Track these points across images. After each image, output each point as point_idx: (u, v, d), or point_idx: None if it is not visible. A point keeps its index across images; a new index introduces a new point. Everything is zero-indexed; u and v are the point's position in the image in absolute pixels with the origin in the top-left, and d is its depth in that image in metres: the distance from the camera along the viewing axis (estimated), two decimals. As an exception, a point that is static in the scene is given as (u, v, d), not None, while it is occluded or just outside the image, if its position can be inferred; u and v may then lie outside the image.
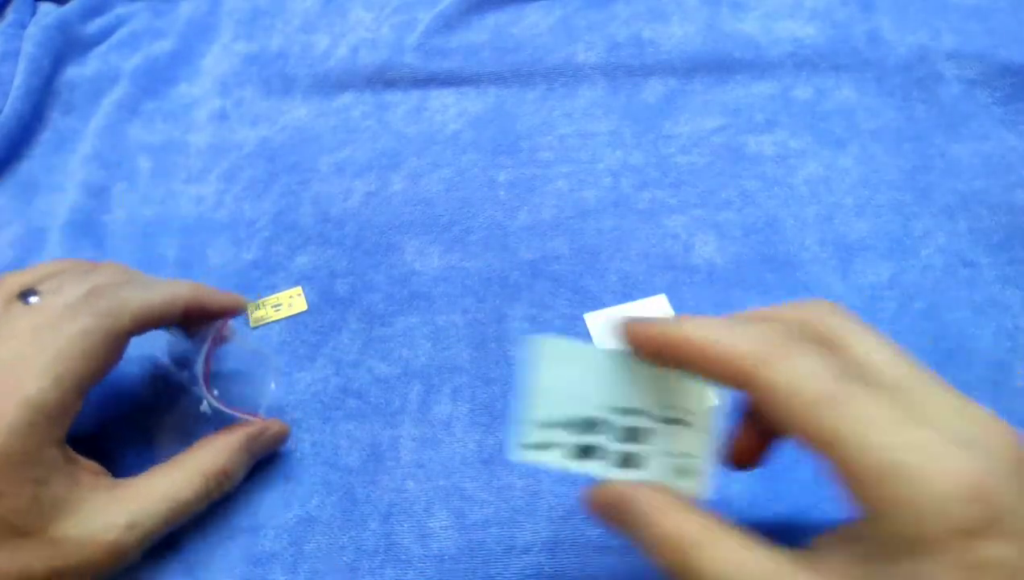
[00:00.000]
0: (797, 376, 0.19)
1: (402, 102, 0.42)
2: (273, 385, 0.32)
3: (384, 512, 0.30)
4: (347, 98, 0.43)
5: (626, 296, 0.35)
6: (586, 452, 0.23)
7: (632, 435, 0.23)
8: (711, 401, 0.24)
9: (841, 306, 0.22)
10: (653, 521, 0.21)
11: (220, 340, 0.31)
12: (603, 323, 0.34)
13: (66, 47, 0.45)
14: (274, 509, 0.31)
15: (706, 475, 0.23)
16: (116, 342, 0.27)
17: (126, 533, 0.26)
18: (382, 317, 0.35)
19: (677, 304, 0.35)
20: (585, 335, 0.34)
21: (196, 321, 0.31)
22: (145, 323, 0.28)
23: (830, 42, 0.42)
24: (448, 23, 0.44)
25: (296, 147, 0.41)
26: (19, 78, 0.42)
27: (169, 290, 0.29)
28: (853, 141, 0.39)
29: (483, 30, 0.44)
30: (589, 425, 0.23)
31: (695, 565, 0.20)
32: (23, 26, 0.45)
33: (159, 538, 0.28)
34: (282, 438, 0.31)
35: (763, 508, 0.30)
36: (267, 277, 0.37)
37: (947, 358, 0.32)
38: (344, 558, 0.30)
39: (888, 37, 0.42)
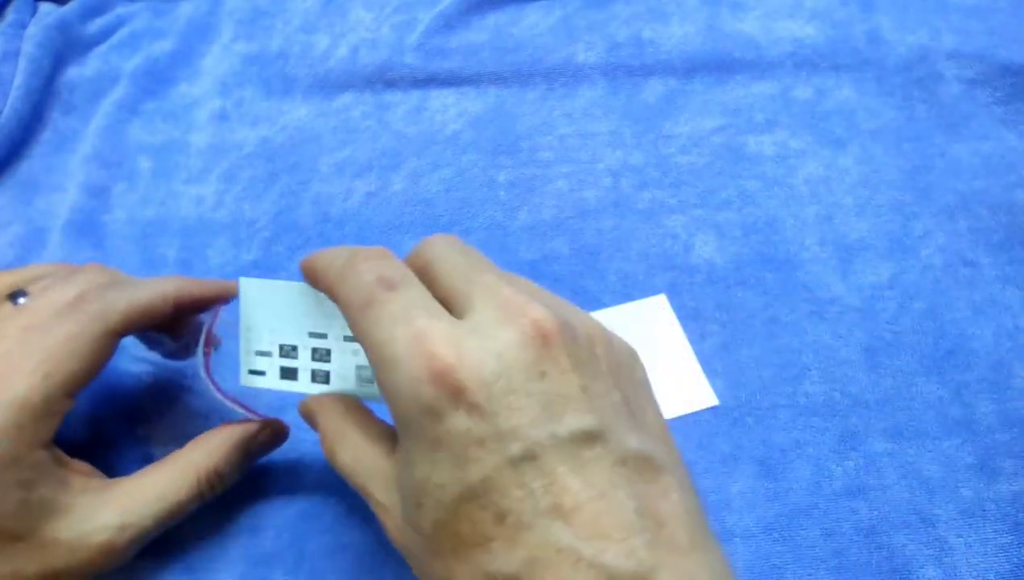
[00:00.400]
0: (351, 287, 0.22)
1: (402, 102, 0.42)
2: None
3: (384, 512, 0.30)
4: (347, 98, 0.43)
5: (626, 296, 0.35)
6: (290, 373, 0.29)
7: (323, 355, 0.28)
8: None
9: (440, 237, 0.24)
10: (317, 424, 0.26)
11: (216, 341, 0.31)
12: (602, 322, 0.34)
13: (66, 47, 0.45)
14: (275, 509, 0.31)
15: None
16: (106, 343, 0.27)
17: (118, 534, 0.26)
18: None
19: (677, 304, 0.35)
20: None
21: (187, 322, 0.30)
22: (135, 323, 0.28)
23: (830, 42, 0.42)
24: (448, 23, 0.44)
25: (296, 147, 0.41)
26: (19, 78, 0.42)
27: (156, 287, 0.28)
28: (853, 141, 0.39)
29: (483, 30, 0.44)
30: (291, 350, 0.28)
31: (332, 458, 0.25)
32: (23, 26, 0.45)
33: (153, 538, 0.28)
34: (281, 438, 0.31)
35: (763, 508, 0.30)
36: (267, 277, 0.37)
37: (947, 358, 0.32)
38: (345, 558, 0.30)
39: (888, 37, 0.42)
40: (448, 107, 0.42)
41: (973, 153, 0.38)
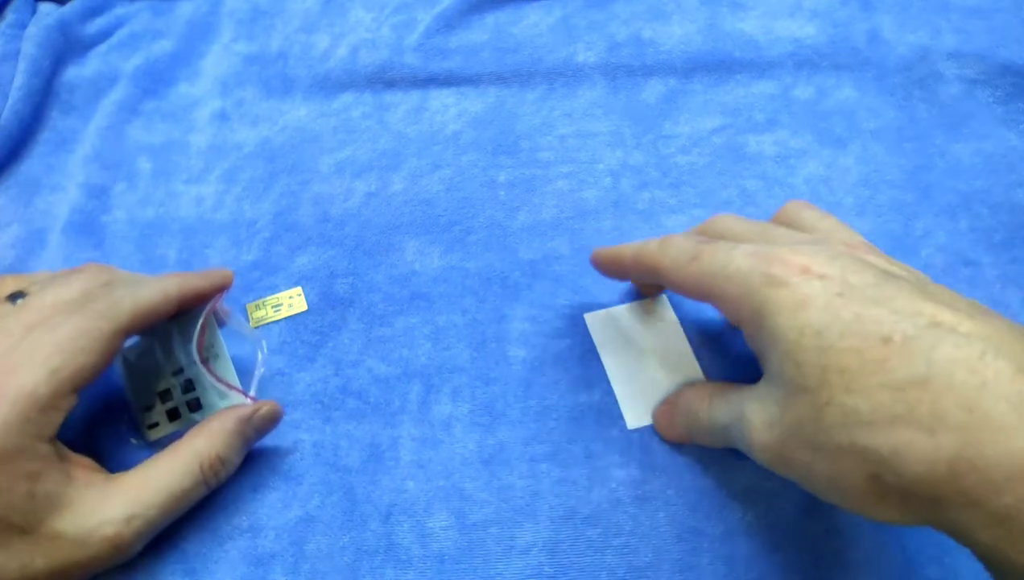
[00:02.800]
0: (676, 250, 0.27)
1: (402, 102, 0.42)
2: (261, 367, 0.32)
3: (384, 512, 0.30)
4: (347, 98, 0.43)
5: (626, 296, 0.35)
6: (173, 413, 0.32)
7: (189, 386, 0.32)
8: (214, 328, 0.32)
9: (803, 203, 0.30)
10: (686, 406, 0.30)
11: (216, 319, 0.32)
12: (603, 322, 0.34)
13: (66, 47, 0.45)
14: (274, 509, 0.31)
15: (254, 378, 0.32)
16: (113, 341, 0.27)
17: (125, 526, 0.26)
18: (382, 317, 0.35)
19: (677, 304, 0.35)
20: (585, 335, 0.34)
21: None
22: (141, 321, 0.28)
23: (830, 42, 0.42)
24: (448, 23, 0.44)
25: (296, 147, 0.41)
26: (19, 78, 0.42)
27: (159, 287, 0.29)
28: (854, 140, 0.39)
29: (483, 30, 0.44)
30: (166, 394, 0.32)
31: (713, 415, 0.28)
32: (23, 26, 0.45)
33: (160, 529, 0.28)
34: (275, 418, 0.31)
35: (765, 507, 0.30)
36: (267, 277, 0.37)
37: (947, 358, 0.32)
38: (344, 558, 0.30)
39: (888, 36, 0.42)
40: (448, 107, 0.42)
41: (974, 153, 0.38)
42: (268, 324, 0.35)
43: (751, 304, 0.23)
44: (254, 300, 0.36)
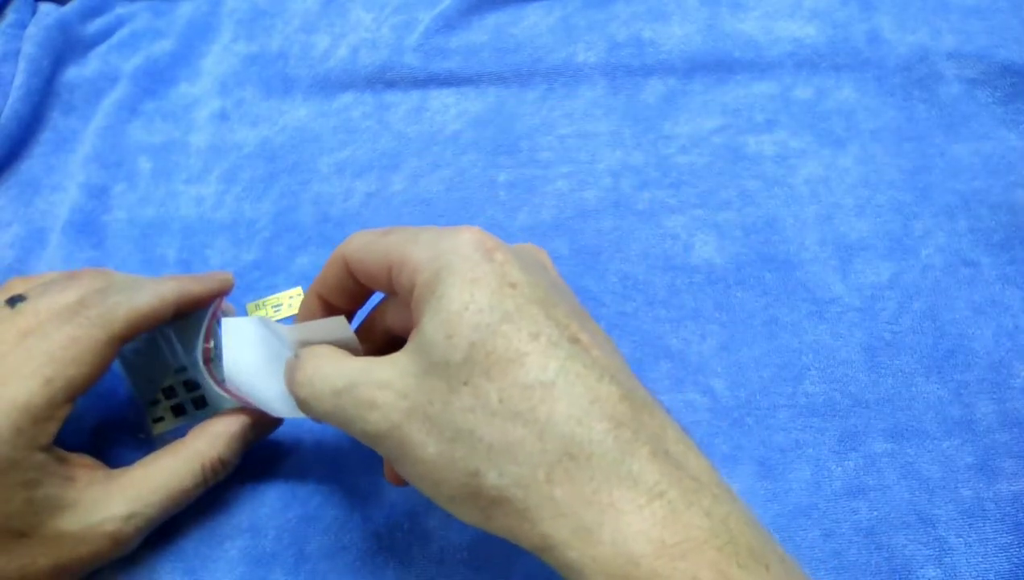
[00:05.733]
0: (362, 234, 0.26)
1: (402, 102, 0.42)
2: None
3: (385, 512, 0.30)
4: (347, 98, 0.43)
5: (626, 297, 0.35)
6: (179, 409, 0.32)
7: (193, 386, 0.32)
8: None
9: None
10: (302, 367, 0.26)
11: (218, 322, 0.32)
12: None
13: (66, 47, 0.45)
14: (275, 509, 0.31)
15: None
16: (108, 349, 0.27)
17: (125, 524, 0.27)
18: None
19: (677, 304, 0.35)
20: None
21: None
22: (137, 328, 0.28)
23: (830, 42, 0.42)
24: (448, 23, 0.44)
25: (296, 147, 0.41)
26: (19, 78, 0.42)
27: (156, 292, 0.29)
28: (853, 141, 0.39)
29: (483, 30, 0.44)
30: (170, 391, 0.32)
31: (315, 376, 0.25)
32: (23, 26, 0.45)
33: (158, 525, 0.28)
34: (276, 424, 0.31)
35: (763, 508, 0.30)
36: (267, 277, 0.37)
37: (947, 358, 0.32)
38: (345, 558, 0.30)
39: (888, 37, 0.42)
40: (448, 107, 0.42)
41: (973, 153, 0.38)
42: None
43: (434, 267, 0.23)
44: (254, 300, 0.36)
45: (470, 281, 0.22)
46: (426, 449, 0.22)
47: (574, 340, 0.22)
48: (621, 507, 0.20)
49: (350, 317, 0.29)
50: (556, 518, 0.20)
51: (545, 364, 0.21)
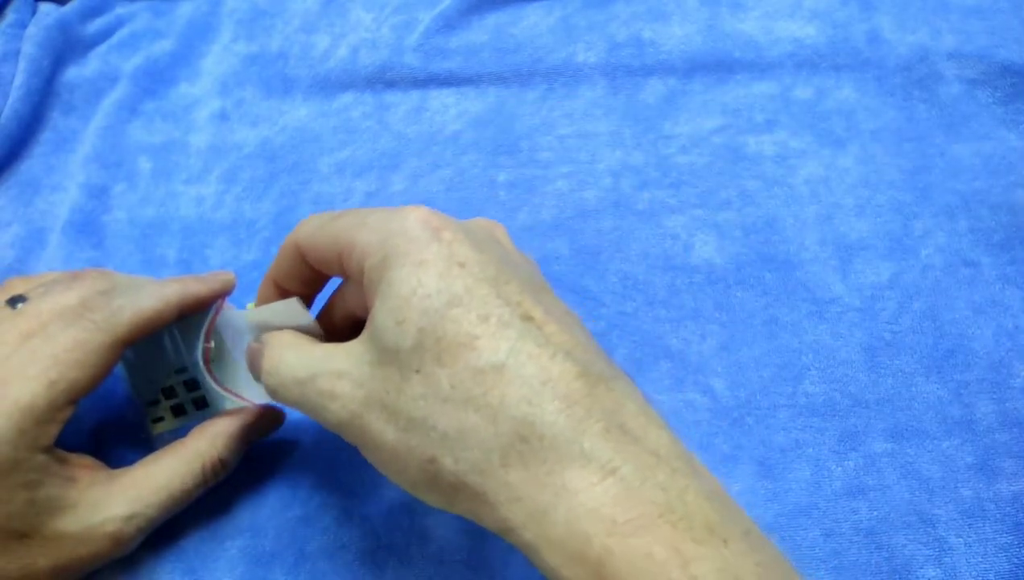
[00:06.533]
0: (313, 218, 0.26)
1: (402, 102, 0.42)
2: None
3: (385, 512, 0.30)
4: (347, 98, 0.43)
5: (626, 297, 0.35)
6: (179, 409, 0.32)
7: (193, 385, 0.32)
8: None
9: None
10: (262, 355, 0.26)
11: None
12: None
13: (66, 47, 0.45)
14: (275, 509, 0.31)
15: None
16: (111, 353, 0.27)
17: (126, 524, 0.27)
18: None
19: (677, 304, 0.35)
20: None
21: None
22: (140, 331, 0.28)
23: (830, 42, 0.42)
24: (448, 23, 0.44)
25: (296, 148, 0.41)
26: (19, 78, 0.42)
27: (159, 295, 0.28)
28: (853, 141, 0.39)
29: (483, 30, 0.44)
30: (170, 391, 0.32)
31: (279, 366, 0.25)
32: (23, 26, 0.45)
33: (158, 524, 0.28)
34: (277, 423, 0.31)
35: (763, 508, 0.30)
36: (267, 277, 0.37)
37: (947, 358, 0.32)
38: (344, 558, 0.30)
39: (888, 37, 0.42)
40: (448, 107, 0.42)
41: (973, 153, 0.38)
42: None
43: (382, 251, 0.23)
44: (254, 300, 0.36)
45: (417, 264, 0.22)
46: (385, 437, 0.22)
47: (527, 318, 0.22)
48: (574, 487, 0.19)
49: (308, 302, 0.29)
50: (512, 502, 0.20)
51: (496, 346, 0.21)
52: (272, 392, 0.25)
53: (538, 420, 0.20)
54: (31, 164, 0.42)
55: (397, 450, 0.22)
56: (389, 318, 0.22)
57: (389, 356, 0.22)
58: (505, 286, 0.22)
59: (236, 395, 0.30)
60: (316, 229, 0.26)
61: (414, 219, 0.23)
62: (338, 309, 0.28)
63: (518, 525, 0.20)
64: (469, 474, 0.21)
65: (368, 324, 0.23)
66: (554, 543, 0.19)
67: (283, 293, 0.28)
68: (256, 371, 0.26)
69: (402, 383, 0.22)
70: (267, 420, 0.31)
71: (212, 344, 0.31)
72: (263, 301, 0.29)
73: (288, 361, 0.24)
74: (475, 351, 0.21)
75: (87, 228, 0.39)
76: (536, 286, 0.24)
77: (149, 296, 0.28)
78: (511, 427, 0.20)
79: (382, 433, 0.22)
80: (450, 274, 0.22)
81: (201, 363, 0.30)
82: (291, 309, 0.27)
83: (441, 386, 0.21)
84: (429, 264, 0.22)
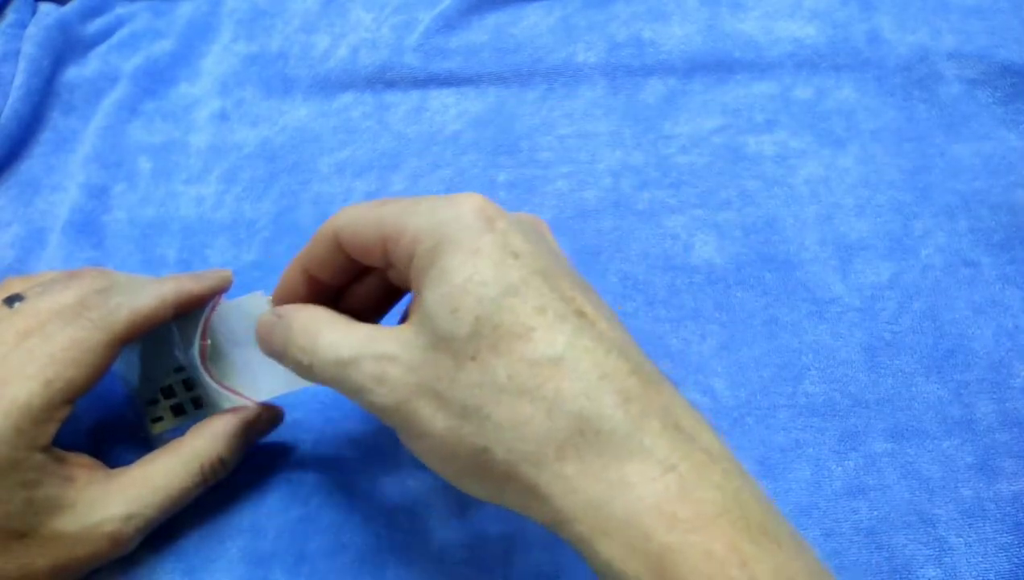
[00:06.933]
0: (358, 205, 0.26)
1: (402, 102, 0.42)
2: None
3: (385, 512, 0.30)
4: (347, 98, 0.43)
5: (626, 297, 0.35)
6: (178, 408, 0.32)
7: (191, 384, 0.32)
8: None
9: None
10: (290, 323, 0.26)
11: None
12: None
13: (66, 47, 0.45)
14: (274, 509, 0.31)
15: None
16: (107, 352, 0.27)
17: (124, 524, 0.27)
18: (383, 317, 0.35)
19: (677, 304, 0.35)
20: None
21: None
22: (137, 330, 0.28)
23: (830, 42, 0.42)
24: (448, 23, 0.44)
25: (296, 148, 0.41)
26: (19, 78, 0.42)
27: (157, 293, 0.28)
28: (853, 141, 0.39)
29: (483, 30, 0.44)
30: (169, 390, 0.32)
31: (316, 341, 0.24)
32: (23, 26, 0.45)
33: (157, 524, 0.28)
34: (277, 422, 0.31)
35: (763, 508, 0.30)
36: (267, 278, 0.37)
37: (947, 358, 0.32)
38: (344, 558, 0.30)
39: (888, 37, 0.42)
40: (448, 107, 0.42)
41: (973, 153, 0.38)
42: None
43: (433, 237, 0.22)
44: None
45: (472, 252, 0.22)
46: (434, 425, 0.22)
47: (580, 314, 0.22)
48: (632, 481, 0.20)
49: (338, 293, 0.28)
50: (567, 494, 0.20)
51: (553, 339, 0.21)
52: (304, 369, 0.25)
53: (596, 414, 0.20)
54: (31, 164, 0.42)
55: (446, 439, 0.22)
56: (443, 305, 0.22)
57: (443, 343, 0.21)
58: (558, 280, 0.22)
59: (234, 393, 0.30)
60: (358, 216, 0.25)
61: (468, 207, 0.23)
62: (357, 297, 0.28)
63: (572, 517, 0.20)
64: (522, 465, 0.20)
65: (416, 310, 0.23)
66: (611, 535, 0.19)
67: (311, 282, 0.28)
68: (272, 345, 0.26)
69: (456, 371, 0.21)
70: (267, 418, 0.30)
71: (209, 341, 0.31)
72: (290, 289, 0.28)
73: (329, 339, 0.24)
74: (532, 343, 0.21)
75: (87, 228, 0.39)
76: (582, 284, 0.24)
77: (146, 294, 0.28)
78: (568, 421, 0.20)
79: (432, 420, 0.22)
80: (505, 264, 0.22)
81: (198, 361, 0.30)
82: (258, 303, 0.27)
83: (497, 375, 0.21)
84: (484, 253, 0.22)
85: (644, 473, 0.20)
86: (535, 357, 0.21)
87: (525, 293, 0.21)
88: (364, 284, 0.28)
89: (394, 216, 0.24)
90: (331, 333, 0.24)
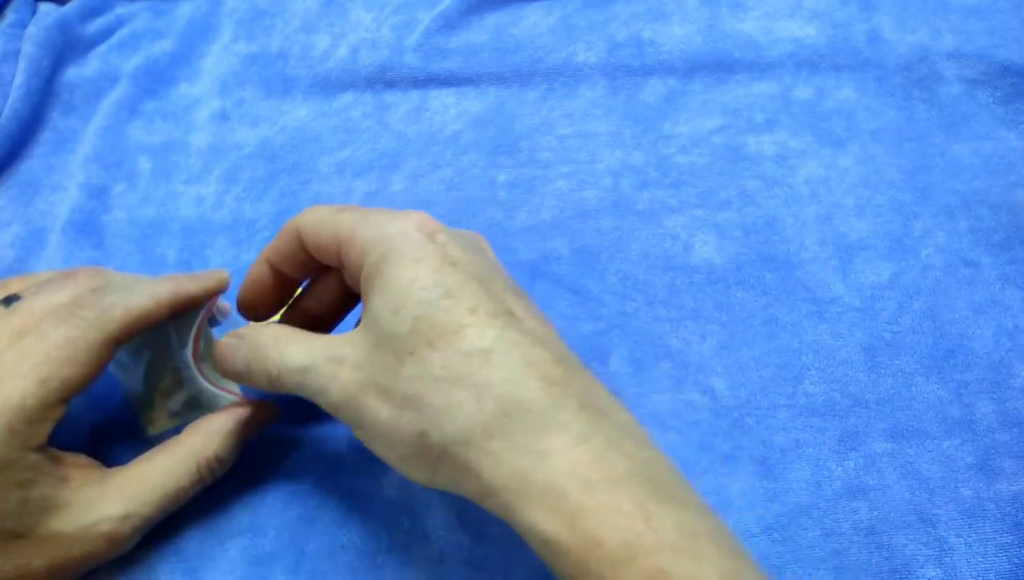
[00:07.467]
0: (319, 209, 0.28)
1: (402, 102, 0.42)
2: None
3: (385, 512, 0.30)
4: (347, 98, 0.43)
5: (626, 297, 0.35)
6: (174, 409, 0.32)
7: (188, 384, 0.31)
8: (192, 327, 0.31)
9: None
10: (254, 341, 0.28)
11: (211, 320, 0.32)
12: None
13: (66, 47, 0.45)
14: (274, 509, 0.31)
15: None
16: (102, 350, 0.27)
17: (121, 523, 0.27)
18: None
19: (677, 304, 0.35)
20: (585, 338, 0.34)
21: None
22: (132, 330, 0.28)
23: (830, 42, 0.42)
24: (448, 23, 0.44)
25: (296, 148, 0.41)
26: (19, 78, 0.42)
27: (151, 292, 0.28)
28: (853, 141, 0.39)
29: (483, 30, 0.44)
30: (165, 392, 0.32)
31: (283, 354, 0.27)
32: (23, 26, 0.45)
33: (155, 523, 0.28)
34: (272, 418, 0.31)
35: (763, 508, 0.30)
36: (267, 277, 0.37)
37: (947, 358, 0.32)
38: (344, 558, 0.30)
39: (888, 37, 0.42)
40: (448, 107, 0.42)
41: (973, 153, 0.38)
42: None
43: (379, 249, 0.25)
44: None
45: (414, 261, 0.24)
46: (379, 415, 0.24)
47: (509, 313, 0.24)
48: (551, 451, 0.22)
49: (297, 286, 0.31)
50: (494, 468, 0.22)
51: (483, 334, 0.23)
52: (271, 379, 0.27)
53: (521, 397, 0.22)
54: (31, 164, 0.42)
55: (390, 426, 0.24)
56: (386, 308, 0.24)
57: (386, 341, 0.24)
58: (491, 285, 0.25)
59: (228, 391, 0.30)
60: (320, 220, 0.28)
61: (412, 223, 0.25)
62: (318, 296, 0.31)
63: (499, 488, 0.22)
64: (454, 444, 0.23)
65: (365, 314, 0.25)
66: (533, 500, 0.21)
67: (275, 274, 0.30)
68: (235, 364, 0.28)
69: (397, 365, 0.24)
70: (262, 415, 0.30)
71: (203, 342, 0.31)
72: (257, 281, 0.30)
73: (293, 349, 0.26)
74: (465, 337, 0.23)
75: (87, 228, 0.39)
76: (514, 289, 0.26)
77: (141, 294, 0.28)
78: (495, 403, 0.22)
79: (378, 411, 0.24)
80: (443, 270, 0.24)
81: (191, 360, 0.30)
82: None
83: (433, 367, 0.23)
84: (425, 261, 0.24)
85: (562, 445, 0.22)
86: (467, 349, 0.23)
87: (460, 295, 0.24)
88: (323, 283, 0.30)
89: (348, 225, 0.26)
90: (295, 344, 0.26)
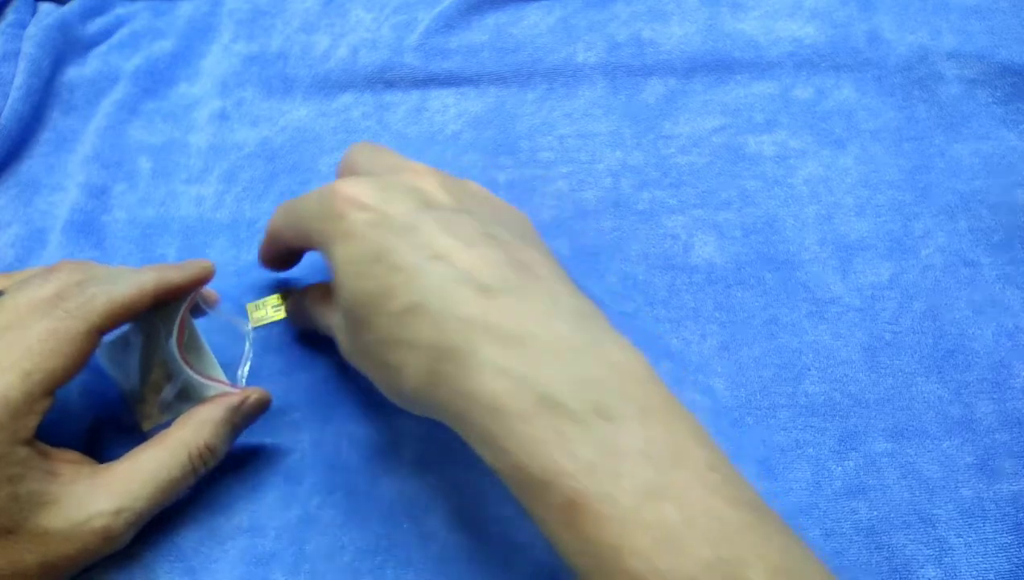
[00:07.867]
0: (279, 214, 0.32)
1: (402, 102, 0.42)
2: (249, 354, 0.32)
3: (385, 512, 0.30)
4: (347, 98, 0.43)
5: (626, 297, 0.35)
6: (165, 403, 0.32)
7: (176, 377, 0.31)
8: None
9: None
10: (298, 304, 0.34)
11: (196, 310, 0.32)
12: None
13: (66, 47, 0.45)
14: (274, 509, 0.31)
15: (240, 366, 0.33)
16: (87, 341, 0.27)
17: (114, 519, 0.26)
18: None
19: (677, 304, 0.35)
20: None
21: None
22: (115, 319, 0.28)
23: (830, 42, 0.42)
24: (448, 23, 0.44)
25: (296, 147, 0.41)
26: (19, 78, 0.42)
27: (135, 282, 0.28)
28: (853, 141, 0.39)
29: (483, 30, 0.44)
30: (156, 386, 0.32)
31: (305, 310, 0.33)
32: (23, 26, 0.45)
33: (150, 518, 0.28)
34: (264, 406, 0.31)
35: (763, 508, 0.30)
36: (267, 277, 0.37)
37: (947, 358, 0.32)
38: (344, 558, 0.30)
39: (888, 37, 0.42)
40: (448, 107, 0.42)
41: (973, 153, 0.38)
42: (268, 324, 0.35)
43: (319, 238, 0.27)
44: (254, 300, 0.36)
45: (344, 237, 0.26)
46: (370, 374, 0.27)
47: (435, 257, 0.25)
48: (475, 377, 0.23)
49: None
50: (440, 412, 0.25)
51: (408, 291, 0.24)
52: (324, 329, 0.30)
53: (447, 342, 0.24)
54: (31, 164, 0.42)
55: (381, 384, 0.27)
56: (338, 285, 0.26)
57: (348, 314, 0.26)
58: (415, 234, 0.25)
59: (215, 381, 0.30)
60: (282, 222, 0.31)
61: (338, 198, 0.27)
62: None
63: (444, 401, 0.24)
64: (415, 396, 0.25)
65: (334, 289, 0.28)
66: (467, 416, 0.24)
67: (281, 252, 0.34)
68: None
69: (360, 333, 0.26)
70: (253, 402, 0.30)
71: (186, 332, 0.31)
72: (265, 253, 0.34)
73: (323, 312, 0.30)
74: (394, 299, 0.25)
75: (87, 228, 0.39)
76: (459, 223, 0.26)
77: (124, 284, 0.28)
78: (426, 356, 0.24)
79: (370, 369, 0.27)
80: (367, 237, 0.26)
81: (176, 351, 0.30)
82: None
83: (380, 332, 0.25)
84: (352, 233, 0.26)
85: (487, 369, 0.23)
86: (399, 309, 0.25)
87: (386, 257, 0.25)
88: None
89: (300, 220, 0.29)
90: (321, 309, 0.31)
